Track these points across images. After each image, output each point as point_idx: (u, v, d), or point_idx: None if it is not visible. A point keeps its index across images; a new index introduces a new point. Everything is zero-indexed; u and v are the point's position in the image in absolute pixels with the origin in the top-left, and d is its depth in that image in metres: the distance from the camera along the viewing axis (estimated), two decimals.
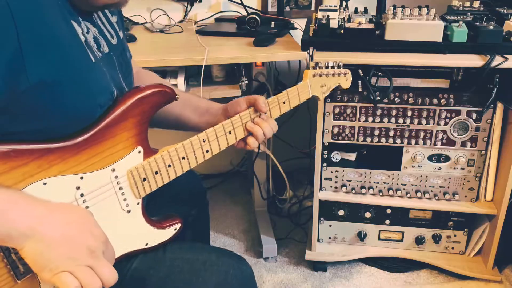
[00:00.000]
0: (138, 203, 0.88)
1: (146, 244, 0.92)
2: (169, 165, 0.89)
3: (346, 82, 1.16)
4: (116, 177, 0.84)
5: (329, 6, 1.67)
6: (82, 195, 0.80)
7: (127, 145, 0.84)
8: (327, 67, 1.12)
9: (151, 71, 1.19)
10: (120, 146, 0.83)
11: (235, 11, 2.00)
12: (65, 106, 0.74)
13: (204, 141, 0.93)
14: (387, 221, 1.74)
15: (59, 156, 0.76)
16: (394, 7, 1.54)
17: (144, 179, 0.87)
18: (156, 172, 0.88)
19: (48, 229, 0.69)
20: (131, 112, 0.83)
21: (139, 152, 0.86)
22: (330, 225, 1.77)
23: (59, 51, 0.71)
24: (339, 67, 1.14)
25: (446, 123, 1.55)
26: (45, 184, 0.75)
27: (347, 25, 1.51)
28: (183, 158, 0.90)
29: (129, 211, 0.87)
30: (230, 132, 0.96)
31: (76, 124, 0.78)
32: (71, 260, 0.70)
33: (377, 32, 1.48)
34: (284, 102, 1.04)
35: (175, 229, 0.95)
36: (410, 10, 1.50)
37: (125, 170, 0.85)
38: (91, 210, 0.81)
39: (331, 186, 1.70)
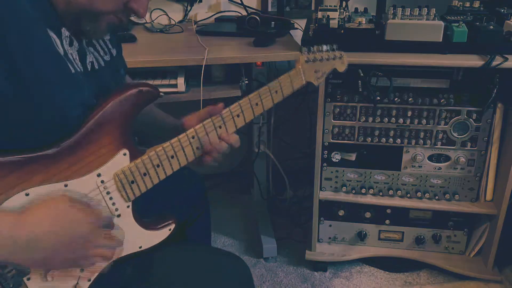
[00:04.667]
0: (128, 206, 0.86)
1: (140, 247, 0.90)
2: (158, 165, 0.86)
3: (341, 65, 1.11)
4: (102, 181, 0.82)
5: (329, 6, 1.67)
6: None
7: (111, 148, 0.82)
8: (320, 51, 1.06)
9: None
10: (104, 150, 0.81)
11: (235, 11, 2.00)
12: (34, 114, 0.72)
13: (193, 137, 0.89)
14: (387, 221, 1.74)
15: (40, 165, 0.74)
16: (394, 7, 1.54)
17: (132, 182, 0.85)
18: (145, 174, 0.85)
19: (36, 234, 0.69)
20: (112, 114, 0.81)
21: (125, 154, 0.84)
22: (330, 225, 1.77)
23: (28, 59, 0.70)
24: (333, 50, 1.08)
25: (446, 123, 1.55)
26: (27, 194, 0.73)
27: (347, 25, 1.51)
28: (172, 157, 0.87)
29: (119, 215, 0.85)
30: (220, 127, 0.92)
31: (49, 133, 0.76)
32: (75, 256, 0.72)
33: (377, 32, 1.48)
34: (276, 92, 0.98)
35: (170, 229, 0.92)
36: (410, 10, 1.50)
37: (111, 174, 0.82)
38: None
39: (331, 186, 1.70)
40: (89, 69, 0.84)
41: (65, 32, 0.79)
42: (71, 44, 0.80)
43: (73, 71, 0.77)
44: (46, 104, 0.73)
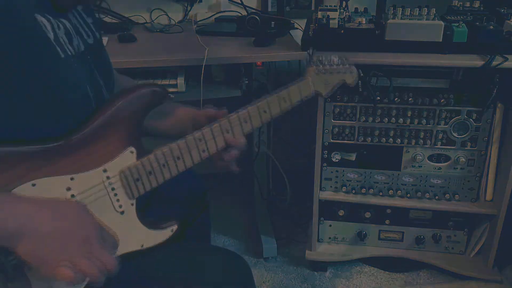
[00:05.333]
0: (132, 204, 0.87)
1: (142, 246, 0.90)
2: (164, 165, 0.87)
3: (351, 78, 1.12)
4: (108, 177, 0.83)
5: (329, 6, 1.67)
6: (73, 196, 0.79)
7: (119, 145, 0.83)
8: (331, 64, 1.06)
9: (123, 75, 1.16)
10: (111, 146, 0.82)
11: (235, 11, 2.00)
12: (33, 103, 0.73)
13: (200, 140, 0.91)
14: (387, 221, 1.74)
15: (48, 158, 0.75)
16: (394, 7, 1.54)
17: (137, 180, 0.86)
18: (150, 173, 0.86)
19: (38, 225, 0.69)
20: (122, 112, 0.83)
21: (132, 152, 0.85)
22: (330, 225, 1.77)
23: (21, 52, 0.70)
24: (344, 64, 1.08)
25: (446, 123, 1.55)
26: (34, 185, 0.74)
27: (347, 25, 1.51)
28: (178, 158, 0.89)
29: (122, 212, 0.86)
30: (227, 131, 0.94)
31: (49, 121, 0.76)
32: (67, 252, 0.70)
33: (377, 32, 1.48)
34: (284, 101, 1.01)
35: (172, 230, 0.93)
36: (410, 10, 1.50)
37: (117, 171, 0.83)
38: None
39: (331, 186, 1.70)
40: (77, 51, 0.84)
41: (52, 16, 0.79)
42: (59, 27, 0.80)
43: (63, 55, 0.77)
44: (43, 91, 0.73)
